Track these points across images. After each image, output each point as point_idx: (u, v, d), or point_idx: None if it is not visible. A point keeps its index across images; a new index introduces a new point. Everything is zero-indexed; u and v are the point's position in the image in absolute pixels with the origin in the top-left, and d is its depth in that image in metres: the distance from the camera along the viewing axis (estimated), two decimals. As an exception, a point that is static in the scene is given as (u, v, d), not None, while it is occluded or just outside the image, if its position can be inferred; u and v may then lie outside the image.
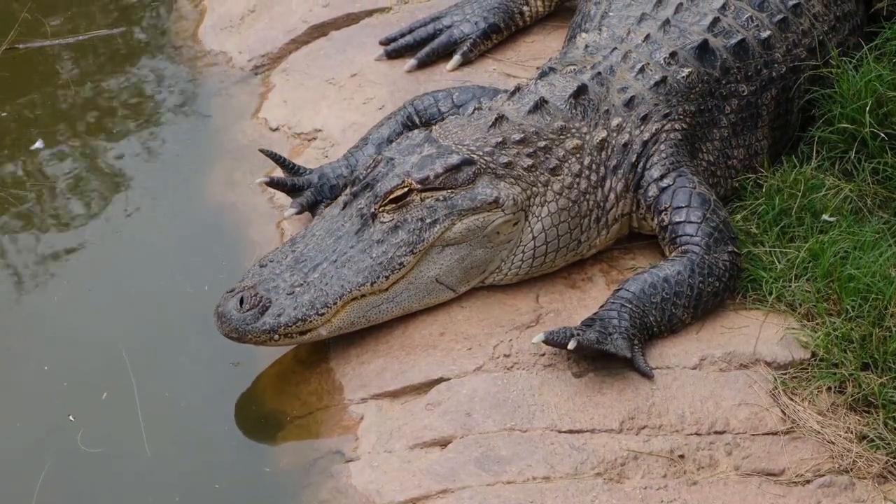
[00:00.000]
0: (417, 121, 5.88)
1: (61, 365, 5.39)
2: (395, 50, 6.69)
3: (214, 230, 6.06)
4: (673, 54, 5.52)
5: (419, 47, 6.65)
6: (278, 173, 5.91)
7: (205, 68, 7.10)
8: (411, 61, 6.60)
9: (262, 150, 5.89)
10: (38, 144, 6.70)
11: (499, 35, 6.69)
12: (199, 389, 5.31)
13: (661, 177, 5.36)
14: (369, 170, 5.26)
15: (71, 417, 5.17)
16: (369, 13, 7.07)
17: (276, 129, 6.51)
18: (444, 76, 6.52)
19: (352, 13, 7.08)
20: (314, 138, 6.38)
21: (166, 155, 6.67)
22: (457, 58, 6.56)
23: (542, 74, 5.49)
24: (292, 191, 5.81)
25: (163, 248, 6.03)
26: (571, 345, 4.80)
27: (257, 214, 5.97)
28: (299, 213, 5.78)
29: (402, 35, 6.73)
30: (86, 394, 5.27)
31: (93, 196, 6.40)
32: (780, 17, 5.77)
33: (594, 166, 5.34)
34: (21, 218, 6.26)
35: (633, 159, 5.38)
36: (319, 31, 7.05)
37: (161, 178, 6.46)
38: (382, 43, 6.74)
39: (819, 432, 4.84)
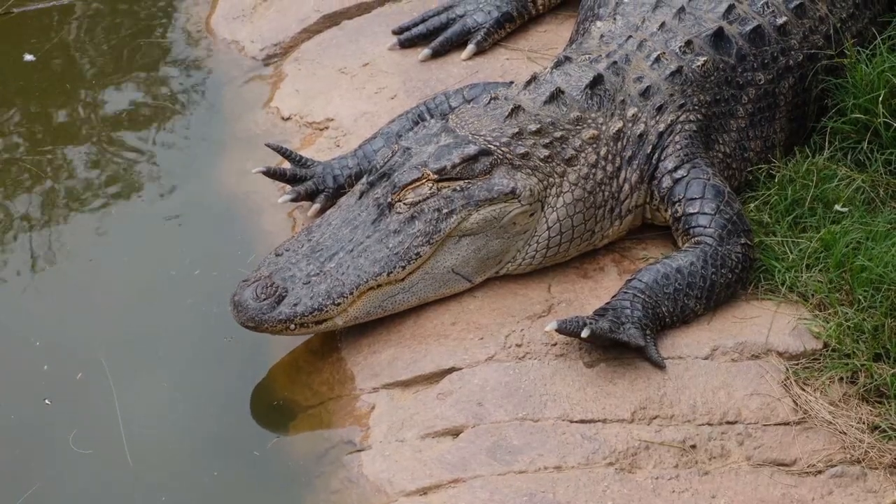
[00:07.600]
0: (429, 117, 5.84)
1: (52, 344, 5.40)
2: (408, 39, 6.69)
3: (226, 219, 6.06)
4: (688, 43, 5.49)
5: (432, 37, 6.64)
6: (287, 166, 5.89)
7: (217, 57, 7.10)
8: (425, 50, 6.58)
9: (267, 145, 5.90)
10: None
11: (512, 24, 6.68)
12: (210, 378, 5.30)
13: (676, 168, 5.34)
14: (386, 159, 5.26)
15: (47, 402, 5.17)
16: (381, 2, 7.07)
17: (288, 119, 6.50)
18: (457, 66, 6.51)
19: (364, 2, 7.08)
20: (326, 127, 6.38)
21: (178, 144, 6.68)
22: (471, 47, 6.55)
23: (558, 64, 5.44)
24: (292, 181, 5.79)
25: (174, 237, 6.04)
26: (585, 333, 4.80)
27: (269, 204, 5.96)
28: (294, 200, 5.78)
29: (415, 24, 6.72)
30: (80, 379, 5.27)
31: (103, 183, 6.39)
32: (796, 2, 5.71)
33: (610, 157, 5.33)
34: (32, 204, 6.27)
35: (649, 150, 5.37)
36: (331, 20, 7.05)
37: (173, 167, 6.46)
38: (395, 32, 6.73)
39: (831, 423, 4.84)
